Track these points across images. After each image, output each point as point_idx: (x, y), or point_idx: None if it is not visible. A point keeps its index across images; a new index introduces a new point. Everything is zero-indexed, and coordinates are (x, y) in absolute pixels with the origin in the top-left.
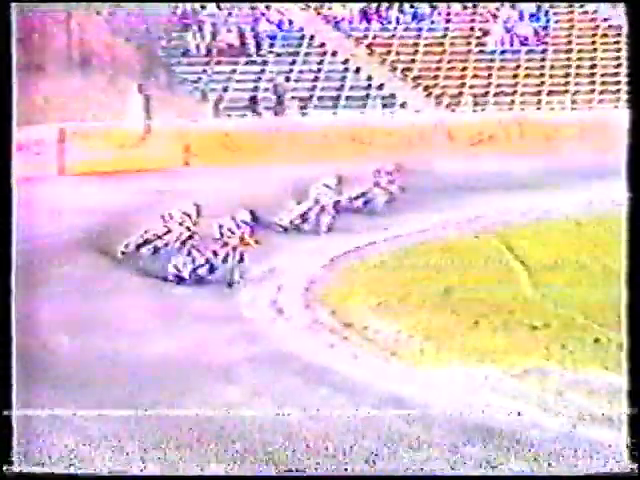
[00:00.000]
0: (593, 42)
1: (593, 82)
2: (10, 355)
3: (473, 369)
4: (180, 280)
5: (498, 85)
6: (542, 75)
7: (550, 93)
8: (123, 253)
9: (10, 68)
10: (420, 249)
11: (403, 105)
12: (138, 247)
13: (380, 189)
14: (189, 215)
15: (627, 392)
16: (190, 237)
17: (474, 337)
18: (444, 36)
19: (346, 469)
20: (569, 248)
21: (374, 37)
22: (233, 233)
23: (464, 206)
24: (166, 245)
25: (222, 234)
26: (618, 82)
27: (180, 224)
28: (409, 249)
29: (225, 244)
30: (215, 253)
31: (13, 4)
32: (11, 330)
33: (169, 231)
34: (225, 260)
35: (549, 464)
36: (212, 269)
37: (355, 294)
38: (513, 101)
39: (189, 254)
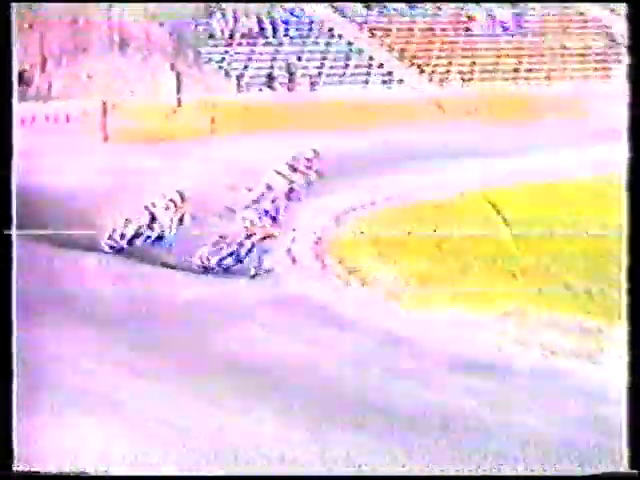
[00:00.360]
0: (565, 27)
1: (565, 61)
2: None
3: (461, 310)
4: (205, 270)
5: (482, 64)
6: (520, 55)
7: (527, 70)
8: (112, 247)
9: (10, 68)
10: (415, 206)
11: (400, 81)
12: (131, 240)
13: (299, 174)
14: (174, 201)
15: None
16: (180, 222)
17: (462, 283)
18: (435, 21)
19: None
20: (546, 207)
21: (375, 22)
22: (255, 224)
23: (454, 169)
24: (160, 236)
25: (246, 226)
26: (587, 61)
27: (167, 209)
28: (406, 206)
29: (250, 235)
30: (241, 244)
31: (13, 4)
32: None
33: (154, 219)
34: (250, 251)
35: (526, 392)
36: (239, 260)
37: (358, 246)
38: (495, 77)
39: (215, 245)
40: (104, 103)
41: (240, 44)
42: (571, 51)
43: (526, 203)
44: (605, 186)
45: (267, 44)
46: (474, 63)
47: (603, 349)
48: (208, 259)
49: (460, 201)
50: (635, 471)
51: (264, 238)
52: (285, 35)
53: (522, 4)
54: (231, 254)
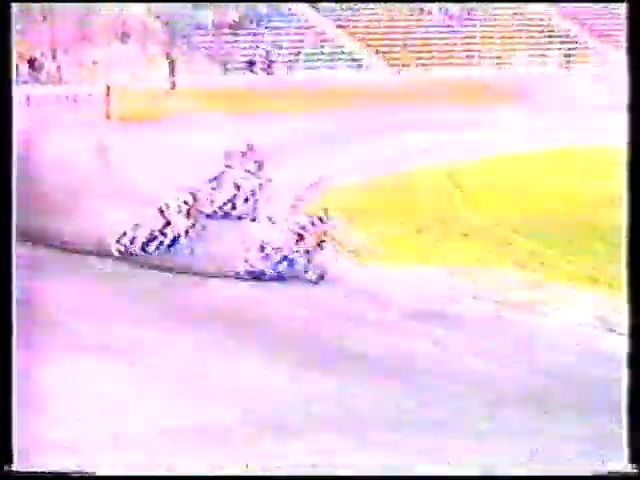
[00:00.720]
0: (513, 16)
1: (512, 49)
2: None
3: (418, 267)
4: (255, 276)
5: (438, 52)
6: (471, 43)
7: (477, 57)
8: (120, 252)
9: (10, 69)
10: (378, 177)
11: (365, 67)
12: (144, 246)
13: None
14: (186, 202)
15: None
16: (193, 225)
17: (419, 242)
18: (397, 15)
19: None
20: (495, 177)
21: (344, 16)
22: (307, 229)
23: (416, 143)
24: (175, 240)
25: (299, 231)
26: (530, 48)
27: (179, 212)
28: (373, 177)
29: (301, 238)
30: (293, 250)
31: (13, 4)
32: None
33: (168, 223)
34: (307, 256)
35: (479, 339)
36: (291, 264)
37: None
38: (450, 63)
39: (262, 250)
40: (107, 86)
41: (226, 34)
42: (515, 40)
43: (478, 173)
44: (544, 158)
45: (250, 34)
46: (430, 51)
47: (545, 302)
48: (253, 265)
49: (420, 172)
50: (635, 471)
51: (319, 243)
52: (267, 27)
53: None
54: (283, 259)
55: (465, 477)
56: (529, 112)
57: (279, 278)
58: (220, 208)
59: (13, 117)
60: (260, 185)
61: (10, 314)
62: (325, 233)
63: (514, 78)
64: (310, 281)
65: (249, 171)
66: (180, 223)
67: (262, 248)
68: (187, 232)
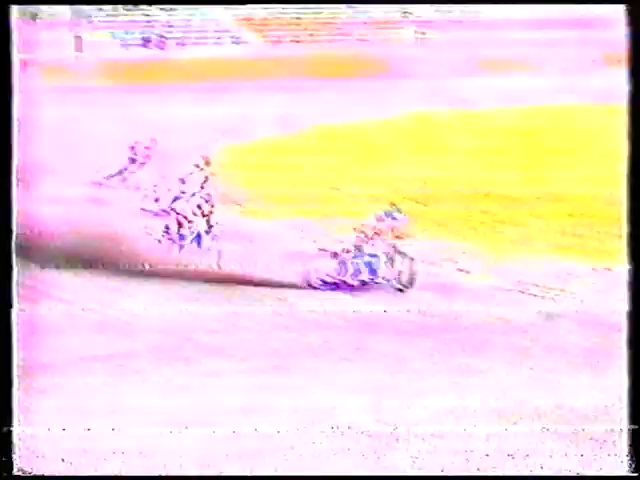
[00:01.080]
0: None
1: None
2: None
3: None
4: (331, 287)
5: (310, 29)
6: (339, 23)
7: (345, 34)
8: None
9: (10, 69)
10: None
11: (245, 43)
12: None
13: (136, 164)
14: (200, 206)
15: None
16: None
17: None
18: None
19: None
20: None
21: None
22: (380, 230)
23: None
24: (198, 237)
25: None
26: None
27: (194, 215)
28: (263, 139)
29: (368, 239)
30: (375, 255)
31: (13, 5)
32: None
33: (180, 224)
34: (391, 261)
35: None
36: (373, 271)
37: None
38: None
39: (335, 256)
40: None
41: (124, 14)
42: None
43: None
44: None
45: (144, 14)
46: (304, 29)
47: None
48: (328, 274)
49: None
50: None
51: (394, 244)
52: (162, 8)
53: None
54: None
55: (465, 477)
56: (389, 81)
57: (359, 288)
58: (170, 204)
59: (14, 117)
60: (206, 178)
61: (9, 316)
62: (397, 231)
63: (376, 52)
64: (396, 289)
65: (197, 165)
66: (199, 223)
67: (335, 255)
68: (207, 232)
